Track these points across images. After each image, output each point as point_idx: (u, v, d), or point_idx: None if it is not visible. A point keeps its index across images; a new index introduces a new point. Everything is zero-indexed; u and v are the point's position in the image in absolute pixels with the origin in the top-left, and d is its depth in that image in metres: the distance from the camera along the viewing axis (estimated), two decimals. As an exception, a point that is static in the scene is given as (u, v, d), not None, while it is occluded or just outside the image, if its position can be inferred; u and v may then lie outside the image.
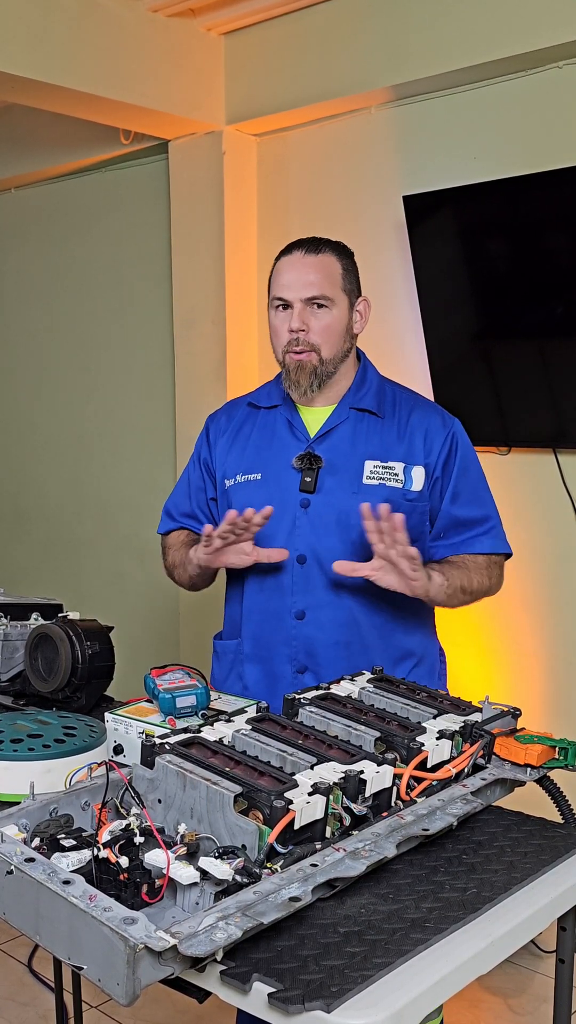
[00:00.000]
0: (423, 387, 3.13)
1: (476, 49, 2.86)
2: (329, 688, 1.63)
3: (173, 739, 1.35)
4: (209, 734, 1.40)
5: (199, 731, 1.40)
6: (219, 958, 1.05)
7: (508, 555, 2.04)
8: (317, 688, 1.62)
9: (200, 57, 3.42)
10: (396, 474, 1.94)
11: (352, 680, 1.67)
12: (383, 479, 1.93)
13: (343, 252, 1.97)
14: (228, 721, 1.46)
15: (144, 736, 1.36)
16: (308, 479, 1.94)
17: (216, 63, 3.47)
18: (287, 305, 1.93)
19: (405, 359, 3.23)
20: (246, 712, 1.51)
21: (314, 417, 2.00)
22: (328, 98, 3.22)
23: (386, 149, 3.25)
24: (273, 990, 1.02)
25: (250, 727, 1.43)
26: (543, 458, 2.97)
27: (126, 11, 3.19)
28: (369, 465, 1.94)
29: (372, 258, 3.32)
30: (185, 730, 1.40)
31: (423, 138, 3.16)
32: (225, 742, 1.38)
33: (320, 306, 1.91)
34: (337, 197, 3.41)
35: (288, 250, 1.96)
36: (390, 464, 1.94)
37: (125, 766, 1.36)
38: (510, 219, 2.87)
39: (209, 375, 3.67)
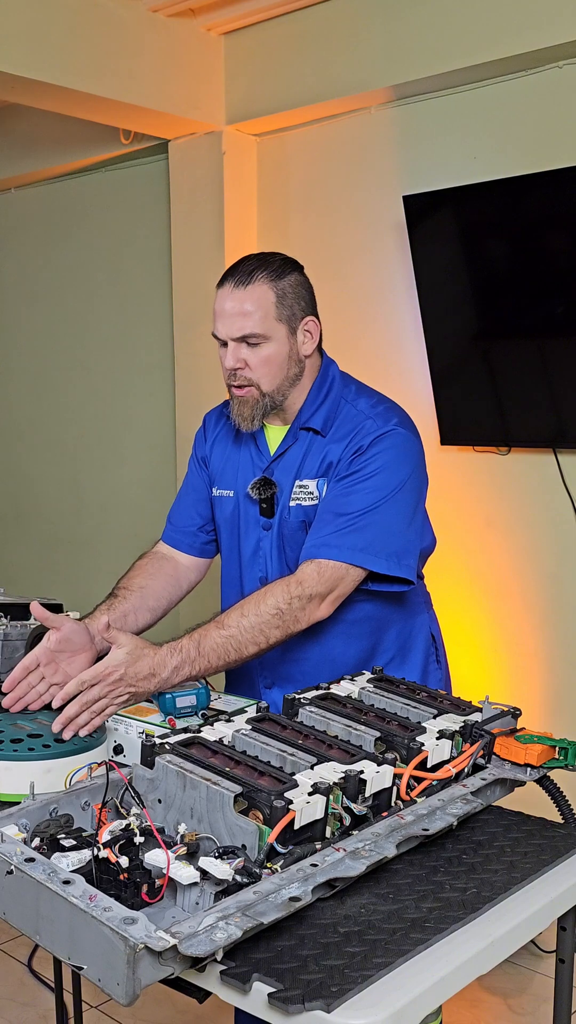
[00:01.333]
0: (423, 387, 3.13)
1: (476, 49, 2.86)
2: (329, 688, 1.62)
3: (173, 739, 1.35)
4: (209, 734, 1.40)
5: (199, 731, 1.40)
6: (219, 958, 1.05)
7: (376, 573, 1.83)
8: (317, 688, 1.62)
9: (200, 57, 3.42)
10: (310, 492, 1.91)
11: (352, 680, 1.67)
12: (299, 499, 1.91)
13: (279, 275, 1.85)
14: (228, 721, 1.46)
15: (144, 736, 1.36)
16: (264, 505, 1.94)
17: (216, 63, 3.47)
18: (224, 342, 1.87)
19: (405, 359, 3.23)
20: (246, 712, 1.50)
21: (275, 436, 1.98)
22: (328, 98, 3.22)
23: (386, 149, 3.25)
24: (273, 990, 1.02)
25: (250, 727, 1.43)
26: (543, 458, 2.97)
27: (126, 11, 3.19)
28: (295, 486, 1.92)
29: (372, 258, 3.33)
30: (185, 730, 1.40)
31: (423, 138, 3.16)
32: (225, 742, 1.38)
33: (253, 344, 1.84)
34: (337, 197, 3.41)
35: (223, 280, 1.87)
36: (304, 483, 1.91)
37: (125, 766, 1.36)
38: (510, 219, 2.87)
39: (209, 375, 3.67)
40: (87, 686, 1.60)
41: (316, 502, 1.89)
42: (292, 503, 1.92)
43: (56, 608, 2.21)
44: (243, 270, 1.85)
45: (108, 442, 4.29)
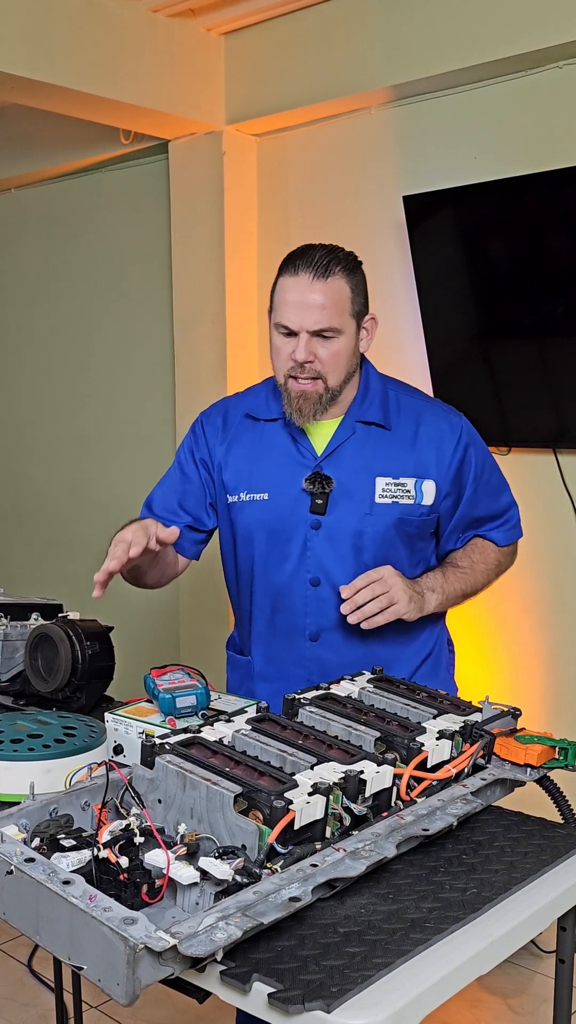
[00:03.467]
0: (423, 387, 3.11)
1: (476, 49, 2.86)
2: (329, 688, 1.62)
3: (173, 739, 1.35)
4: (209, 734, 1.40)
5: (199, 731, 1.40)
6: (219, 958, 1.05)
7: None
8: (317, 688, 1.62)
9: (200, 57, 3.42)
10: (408, 490, 1.88)
11: (352, 680, 1.67)
12: (396, 497, 1.88)
13: (352, 269, 1.83)
14: (228, 721, 1.46)
15: (144, 736, 1.36)
16: (319, 501, 1.87)
17: (216, 63, 3.47)
18: (290, 332, 1.82)
19: (405, 359, 3.22)
20: (246, 712, 1.51)
21: (319, 432, 1.92)
22: (328, 98, 3.22)
23: (386, 149, 3.25)
24: (273, 990, 1.02)
25: (250, 727, 1.43)
26: (543, 458, 2.97)
27: (126, 11, 3.19)
28: (381, 483, 1.88)
29: (372, 258, 3.30)
30: (185, 730, 1.40)
31: (423, 138, 3.16)
32: (225, 742, 1.38)
33: (327, 337, 1.81)
34: (337, 197, 3.41)
35: (294, 268, 1.80)
36: (401, 481, 1.88)
37: (125, 766, 1.36)
38: (510, 219, 2.87)
39: (209, 375, 3.67)
40: (370, 581, 1.76)
41: (412, 502, 1.88)
42: (383, 500, 1.87)
43: (56, 608, 2.21)
44: (319, 261, 1.79)
45: (108, 442, 4.29)
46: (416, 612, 1.83)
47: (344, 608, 1.78)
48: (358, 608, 1.77)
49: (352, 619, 1.77)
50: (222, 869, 1.12)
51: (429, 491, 1.90)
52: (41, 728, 1.56)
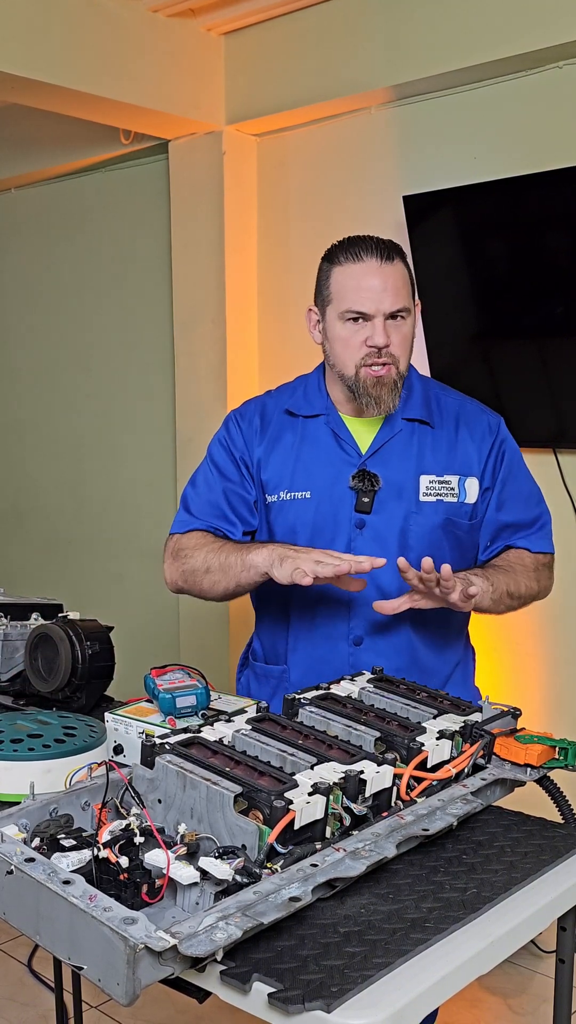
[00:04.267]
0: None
1: (476, 49, 2.86)
2: (329, 688, 1.62)
3: (173, 739, 1.35)
4: (209, 734, 1.40)
5: (199, 731, 1.40)
6: (219, 958, 1.05)
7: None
8: (317, 688, 1.62)
9: (200, 57, 3.42)
10: (452, 488, 1.86)
11: (352, 680, 1.67)
12: (440, 495, 1.85)
13: (404, 256, 1.86)
14: (228, 721, 1.46)
15: (144, 736, 1.36)
16: (366, 499, 1.83)
17: (216, 63, 3.47)
18: (364, 317, 1.80)
19: (405, 359, 3.23)
20: (246, 712, 1.50)
21: (362, 429, 1.89)
22: (328, 98, 3.22)
23: (386, 149, 3.25)
24: (273, 990, 1.02)
25: (250, 727, 1.43)
26: (543, 458, 2.96)
27: (126, 11, 3.19)
28: (425, 481, 1.85)
29: (372, 258, 3.32)
30: (185, 730, 1.40)
31: (423, 138, 3.16)
32: (225, 742, 1.38)
33: (399, 318, 1.81)
34: (337, 197, 3.41)
35: (355, 256, 1.80)
36: (446, 478, 1.86)
37: (125, 766, 1.36)
38: (510, 219, 2.87)
39: (209, 375, 3.67)
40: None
41: (456, 500, 1.86)
42: (428, 498, 1.85)
43: (56, 608, 2.21)
44: (381, 247, 1.81)
45: (108, 442, 4.29)
46: (486, 595, 1.79)
47: (443, 573, 1.67)
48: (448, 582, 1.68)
49: (420, 590, 1.72)
50: (222, 869, 1.12)
51: (472, 489, 1.88)
52: (41, 728, 1.56)
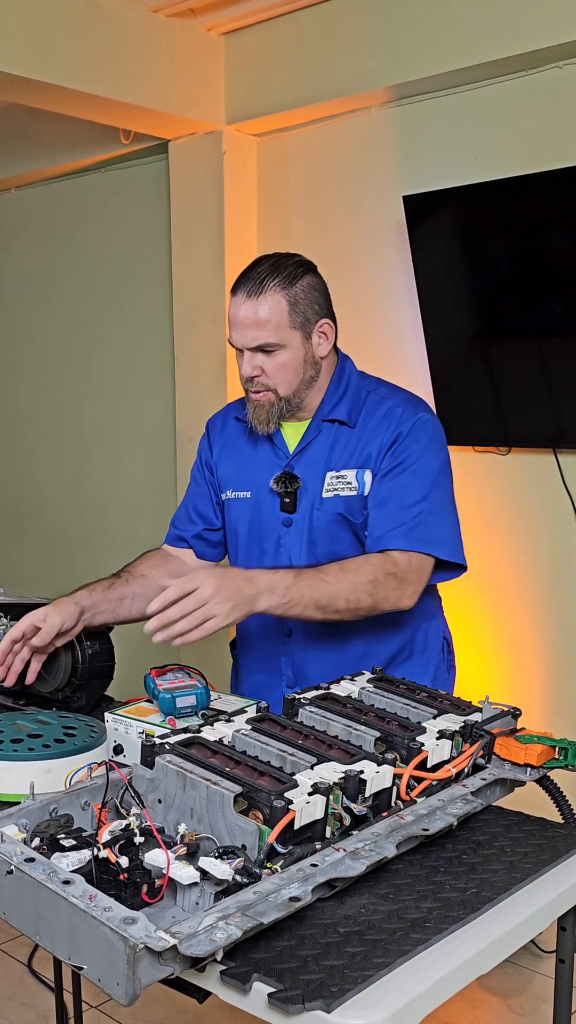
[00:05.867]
0: (423, 387, 3.13)
1: (476, 49, 2.86)
2: (329, 688, 1.62)
3: (173, 739, 1.35)
4: (209, 734, 1.40)
5: (199, 731, 1.40)
6: (219, 958, 1.05)
7: (436, 559, 1.87)
8: (317, 688, 1.62)
9: (200, 57, 3.42)
10: (349, 482, 1.90)
11: (352, 680, 1.67)
12: (337, 490, 1.91)
13: (291, 282, 1.83)
14: (228, 721, 1.46)
15: (144, 736, 1.36)
16: (287, 500, 1.94)
17: (216, 63, 3.47)
18: (240, 349, 1.88)
19: (405, 359, 3.23)
20: (246, 712, 1.51)
21: (294, 431, 1.98)
22: (328, 98, 3.22)
23: (386, 149, 3.25)
24: (273, 990, 1.02)
25: (250, 727, 1.43)
26: (543, 458, 2.97)
27: (126, 11, 3.19)
28: (327, 477, 1.91)
29: (372, 258, 3.32)
30: (185, 730, 1.40)
31: (423, 138, 3.16)
32: (225, 742, 1.38)
33: (270, 351, 1.85)
34: (337, 197, 3.41)
35: (235, 287, 1.85)
36: (342, 473, 1.91)
37: (125, 766, 1.36)
38: (510, 219, 2.87)
39: (209, 375, 3.67)
40: (183, 593, 1.62)
41: (355, 492, 1.89)
42: (327, 494, 1.91)
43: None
44: (255, 278, 1.84)
45: (108, 442, 4.29)
46: (241, 618, 1.69)
47: (149, 626, 1.62)
48: (167, 626, 1.63)
49: (159, 638, 1.62)
50: (222, 869, 1.12)
51: (368, 481, 1.90)
52: (41, 728, 1.56)
